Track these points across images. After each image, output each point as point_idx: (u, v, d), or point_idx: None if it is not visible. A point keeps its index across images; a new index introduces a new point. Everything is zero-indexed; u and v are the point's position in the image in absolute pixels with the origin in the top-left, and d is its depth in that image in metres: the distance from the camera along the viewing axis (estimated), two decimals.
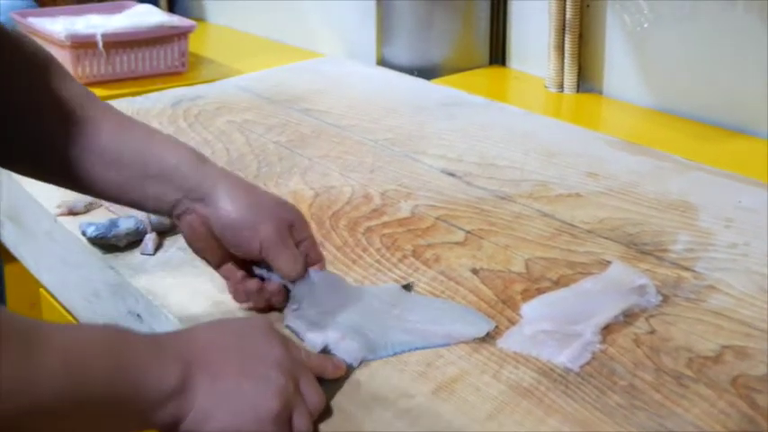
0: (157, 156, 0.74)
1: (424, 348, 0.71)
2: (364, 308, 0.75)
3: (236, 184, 0.75)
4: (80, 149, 0.73)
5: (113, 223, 0.89)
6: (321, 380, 0.65)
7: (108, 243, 0.89)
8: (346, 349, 0.70)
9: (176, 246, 0.89)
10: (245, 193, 0.74)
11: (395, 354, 0.70)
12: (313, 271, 0.75)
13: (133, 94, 1.44)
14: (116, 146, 0.74)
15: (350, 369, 0.69)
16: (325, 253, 0.87)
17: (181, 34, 1.72)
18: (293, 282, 0.74)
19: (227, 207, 0.73)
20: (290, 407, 0.60)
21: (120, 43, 1.65)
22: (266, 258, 0.74)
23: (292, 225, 0.75)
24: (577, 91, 1.48)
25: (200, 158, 0.76)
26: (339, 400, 0.66)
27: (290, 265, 0.74)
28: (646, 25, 1.37)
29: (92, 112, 0.75)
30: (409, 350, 0.71)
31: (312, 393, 0.62)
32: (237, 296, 0.77)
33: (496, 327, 0.74)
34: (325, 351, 0.70)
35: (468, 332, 0.73)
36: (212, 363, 0.59)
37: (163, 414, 0.56)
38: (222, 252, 0.75)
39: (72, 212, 0.97)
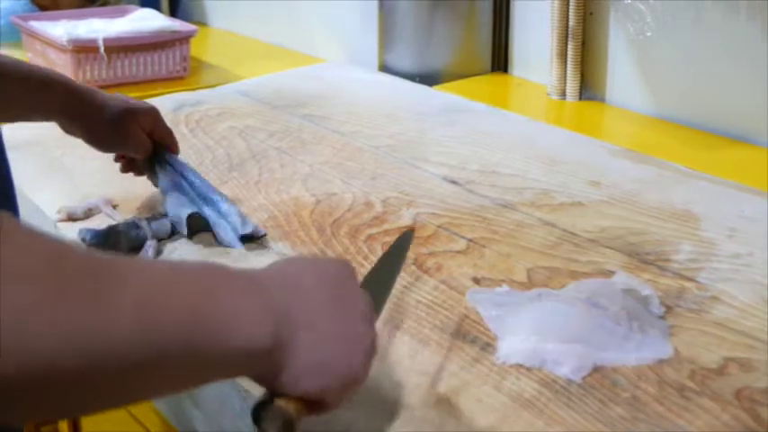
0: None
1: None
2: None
3: (90, 107, 0.92)
4: None
5: (113, 229, 0.89)
6: None
7: (107, 249, 0.89)
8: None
9: (176, 252, 0.89)
10: (103, 114, 0.93)
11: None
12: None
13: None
14: None
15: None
16: None
17: (182, 39, 1.72)
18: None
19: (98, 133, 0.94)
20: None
21: (121, 48, 1.65)
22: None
23: (146, 121, 0.96)
24: (580, 98, 1.48)
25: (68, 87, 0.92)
26: (339, 413, 0.65)
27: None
28: (648, 33, 1.36)
29: None
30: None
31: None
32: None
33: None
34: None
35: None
36: (310, 317, 0.55)
37: (250, 371, 0.52)
38: None
39: (71, 218, 0.96)
